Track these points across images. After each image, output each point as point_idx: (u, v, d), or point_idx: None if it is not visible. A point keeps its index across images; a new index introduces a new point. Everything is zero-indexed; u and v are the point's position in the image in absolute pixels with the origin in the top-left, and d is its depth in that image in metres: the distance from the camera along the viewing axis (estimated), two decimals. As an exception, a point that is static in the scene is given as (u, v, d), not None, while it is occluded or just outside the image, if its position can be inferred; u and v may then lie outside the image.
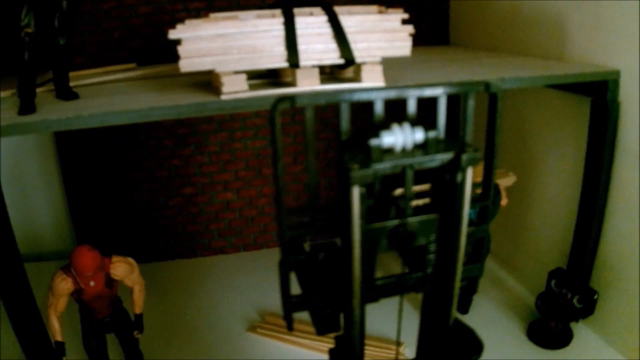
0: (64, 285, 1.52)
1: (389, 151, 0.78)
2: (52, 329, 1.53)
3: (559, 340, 1.86)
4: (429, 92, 0.83)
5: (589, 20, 1.70)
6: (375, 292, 0.90)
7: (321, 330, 0.91)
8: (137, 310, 1.68)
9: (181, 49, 1.22)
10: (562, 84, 1.62)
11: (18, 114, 1.23)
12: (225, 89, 1.25)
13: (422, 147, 0.80)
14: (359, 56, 1.28)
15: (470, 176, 0.82)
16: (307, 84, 1.28)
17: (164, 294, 2.31)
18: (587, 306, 1.77)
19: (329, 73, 1.47)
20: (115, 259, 1.59)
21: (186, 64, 1.23)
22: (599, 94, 1.63)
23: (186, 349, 1.96)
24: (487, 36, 2.28)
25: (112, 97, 1.43)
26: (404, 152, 0.78)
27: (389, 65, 1.36)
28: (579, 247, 1.82)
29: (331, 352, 0.98)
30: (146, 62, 2.00)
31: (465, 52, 2.24)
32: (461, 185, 0.81)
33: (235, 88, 1.26)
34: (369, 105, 0.84)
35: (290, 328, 0.91)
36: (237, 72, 1.26)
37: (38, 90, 1.39)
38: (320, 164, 2.64)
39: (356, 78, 1.34)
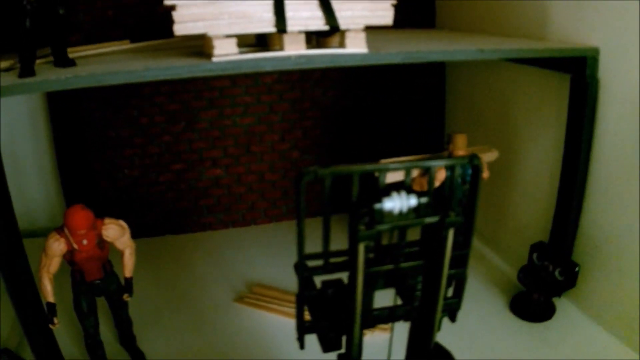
0: (58, 245, 1.56)
1: (388, 213, 0.96)
2: (44, 290, 1.57)
3: (541, 313, 1.90)
4: (424, 164, 1.04)
5: (569, 1, 1.75)
6: (372, 320, 1.09)
7: (326, 348, 1.08)
8: (127, 274, 1.73)
9: (175, 14, 1.28)
10: (541, 58, 1.67)
11: (18, 77, 1.29)
12: (216, 51, 1.31)
13: (415, 210, 0.97)
14: (343, 24, 1.34)
15: (452, 235, 1.00)
16: (294, 48, 1.35)
17: (153, 268, 2.36)
18: (569, 279, 1.81)
19: (315, 46, 1.54)
20: (107, 220, 1.64)
21: (180, 28, 1.29)
22: (578, 71, 1.68)
23: (174, 318, 2.01)
24: (472, 19, 2.35)
25: (108, 64, 1.49)
26: (400, 214, 0.95)
27: (373, 39, 1.43)
28: (561, 219, 1.86)
29: None
30: (140, 39, 2.05)
31: (450, 33, 2.31)
32: (444, 239, 1.00)
33: (225, 51, 1.32)
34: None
35: (302, 347, 1.07)
36: (228, 36, 1.32)
37: (37, 62, 1.44)
38: (307, 141, 2.72)
39: (341, 45, 1.41)
